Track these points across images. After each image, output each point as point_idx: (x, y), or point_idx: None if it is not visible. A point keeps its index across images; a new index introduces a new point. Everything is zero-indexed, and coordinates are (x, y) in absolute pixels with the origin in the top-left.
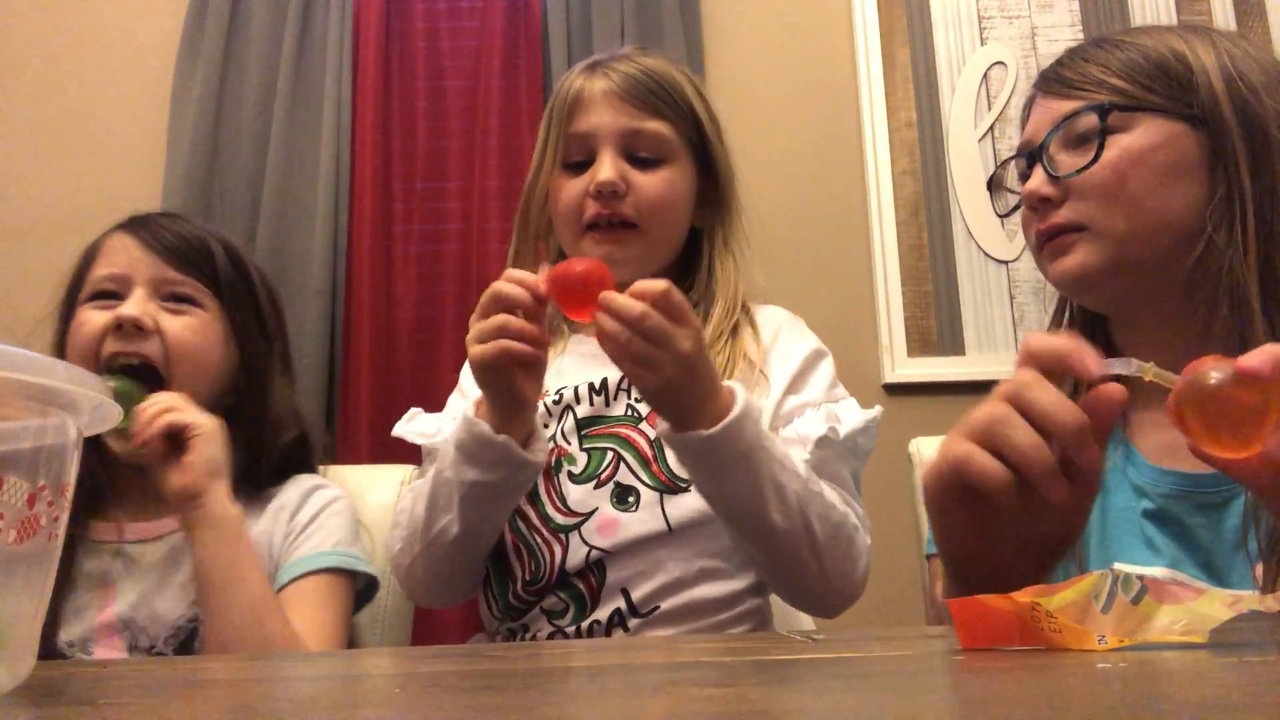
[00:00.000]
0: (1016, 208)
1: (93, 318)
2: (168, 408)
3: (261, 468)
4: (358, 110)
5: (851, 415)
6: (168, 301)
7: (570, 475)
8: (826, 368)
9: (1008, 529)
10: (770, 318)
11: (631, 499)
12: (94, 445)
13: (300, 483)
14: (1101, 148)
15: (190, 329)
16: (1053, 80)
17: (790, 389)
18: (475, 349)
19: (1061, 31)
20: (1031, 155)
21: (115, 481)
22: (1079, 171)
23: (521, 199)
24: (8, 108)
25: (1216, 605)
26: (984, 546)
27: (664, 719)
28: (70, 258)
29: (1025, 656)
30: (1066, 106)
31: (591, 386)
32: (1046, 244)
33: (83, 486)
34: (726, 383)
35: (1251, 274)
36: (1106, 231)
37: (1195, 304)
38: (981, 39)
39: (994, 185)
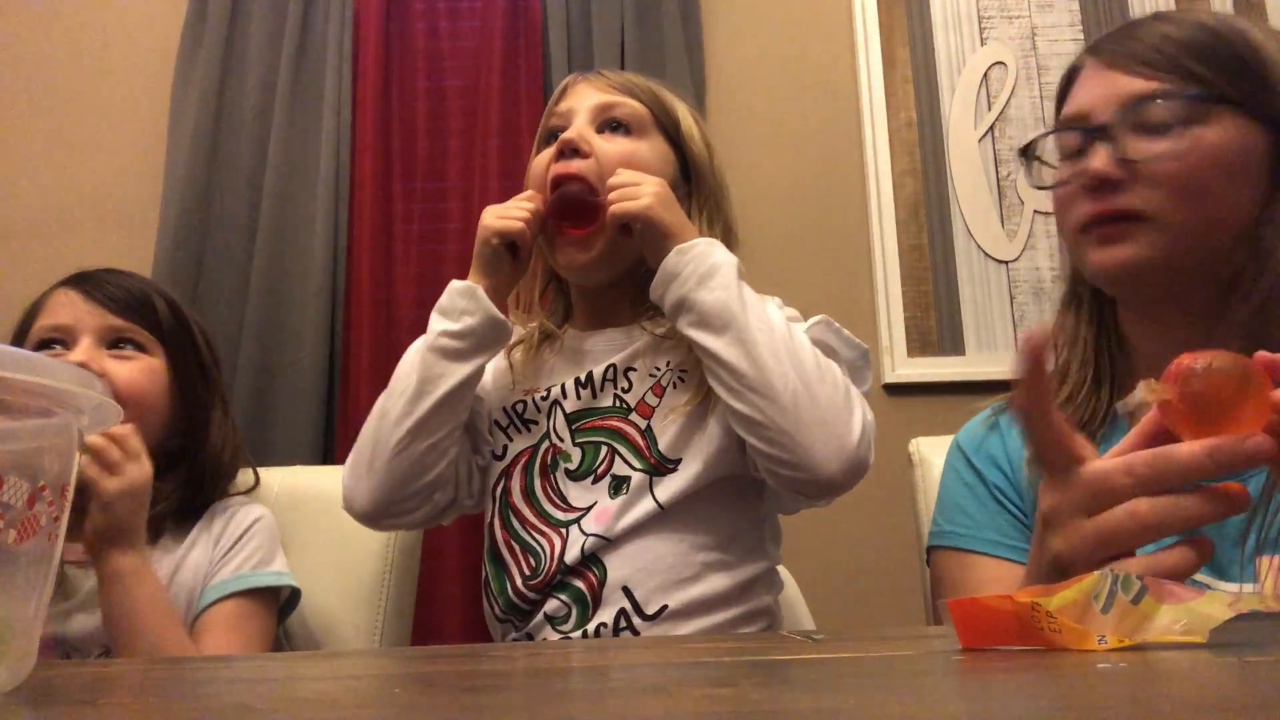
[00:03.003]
0: (1063, 183)
1: None
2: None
3: (198, 504)
4: (358, 110)
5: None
6: (114, 348)
7: (567, 472)
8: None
9: None
10: None
11: (626, 488)
12: None
13: (226, 509)
14: (1181, 138)
15: (137, 372)
16: (1119, 53)
17: None
18: (495, 220)
19: (1062, 31)
20: (1090, 131)
21: None
22: (1157, 158)
23: None
24: (7, 107)
25: (1216, 605)
26: None
27: (664, 719)
28: (70, 258)
29: (1025, 656)
30: (1137, 85)
31: (578, 381)
32: (1096, 228)
33: None
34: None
35: None
36: (1168, 223)
37: (1224, 304)
38: (981, 39)
39: (1029, 154)
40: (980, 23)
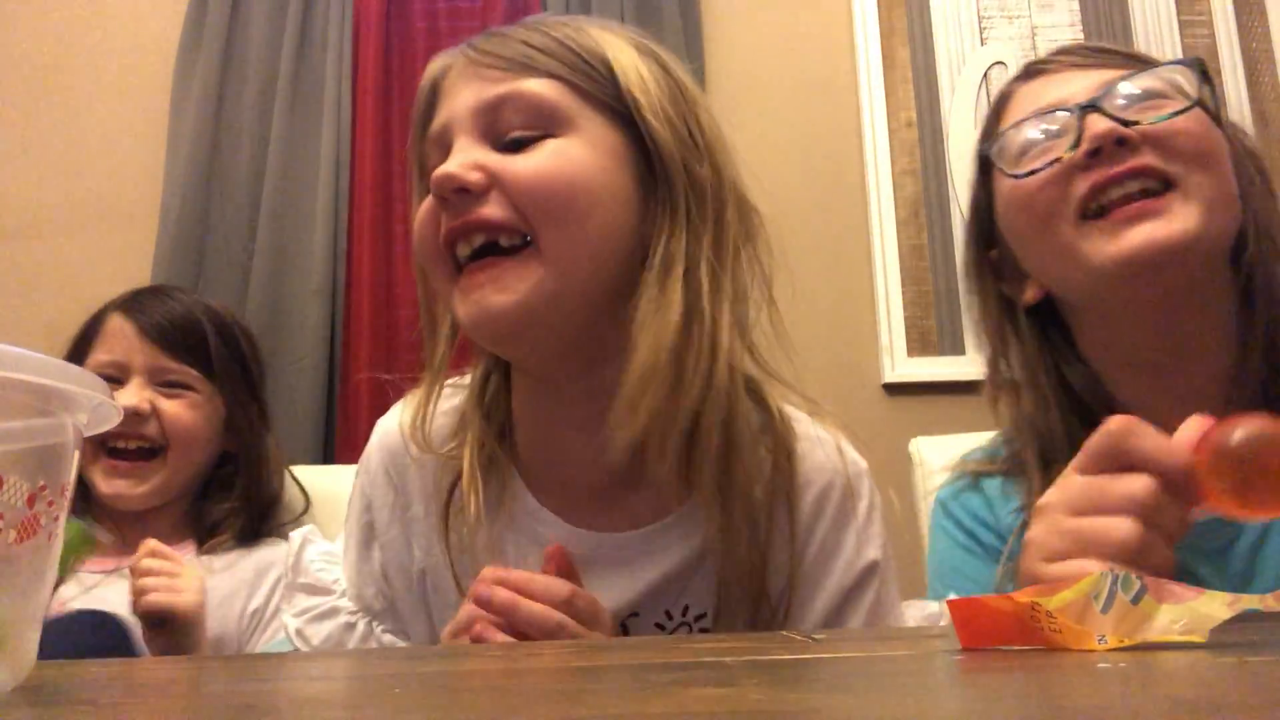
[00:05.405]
0: (1056, 162)
1: None
2: (154, 586)
3: (252, 516)
4: (358, 110)
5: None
6: (162, 387)
7: None
8: (874, 587)
9: None
10: (814, 476)
11: None
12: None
13: (274, 550)
14: (1196, 103)
15: (185, 408)
16: (1065, 62)
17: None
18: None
19: (1062, 31)
20: (1077, 110)
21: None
22: (1172, 115)
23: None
24: (8, 107)
25: (1216, 605)
26: None
27: (664, 719)
28: (70, 258)
29: (1025, 656)
30: (1110, 73)
31: None
32: (1116, 208)
33: None
34: None
35: None
36: (1196, 192)
37: (1241, 321)
38: (981, 39)
39: (997, 152)
40: (980, 23)
